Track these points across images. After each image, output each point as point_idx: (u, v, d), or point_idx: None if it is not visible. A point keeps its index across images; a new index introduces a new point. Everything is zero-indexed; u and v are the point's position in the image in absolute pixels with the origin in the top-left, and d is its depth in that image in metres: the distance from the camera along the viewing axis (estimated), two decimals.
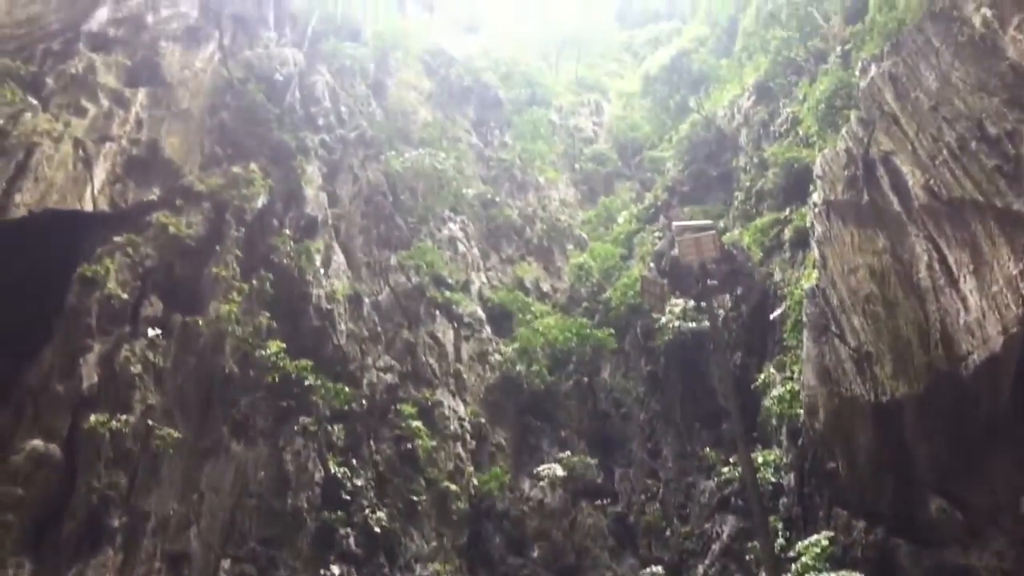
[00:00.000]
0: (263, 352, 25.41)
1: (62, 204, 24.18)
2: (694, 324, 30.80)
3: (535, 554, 28.27)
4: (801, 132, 32.38)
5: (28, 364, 21.70)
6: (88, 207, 24.93)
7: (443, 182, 38.23)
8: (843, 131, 25.26)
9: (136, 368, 22.37)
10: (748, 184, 34.84)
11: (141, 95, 28.65)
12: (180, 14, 32.78)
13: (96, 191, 25.24)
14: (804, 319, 23.84)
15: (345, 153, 36.23)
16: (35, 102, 25.13)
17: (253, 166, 29.93)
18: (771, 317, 28.37)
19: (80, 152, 25.36)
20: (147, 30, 31.12)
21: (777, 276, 29.30)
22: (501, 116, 49.85)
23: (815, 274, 24.29)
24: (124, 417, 21.31)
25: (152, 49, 30.59)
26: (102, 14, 30.03)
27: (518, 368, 33.64)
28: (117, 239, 24.75)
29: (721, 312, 29.42)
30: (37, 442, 19.99)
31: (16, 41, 26.55)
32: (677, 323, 31.18)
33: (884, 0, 27.04)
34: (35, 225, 23.07)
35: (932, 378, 19.04)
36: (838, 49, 31.88)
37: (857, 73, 26.48)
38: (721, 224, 31.88)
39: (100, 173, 25.61)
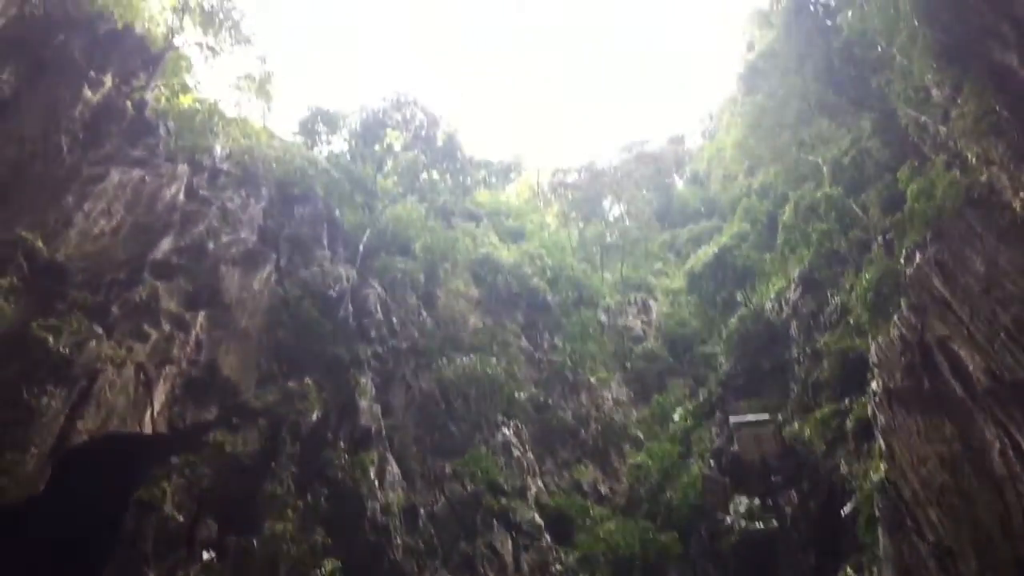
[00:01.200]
0: (319, 572, 24.80)
1: (122, 428, 24.60)
2: (761, 524, 29.50)
3: None
4: (852, 321, 32.18)
5: None
6: (147, 430, 25.33)
7: (495, 387, 38.32)
8: (895, 318, 25.12)
9: None
10: (803, 376, 34.34)
11: (201, 317, 29.70)
12: (240, 239, 34.51)
13: (155, 413, 25.72)
14: (877, 514, 22.77)
15: (397, 363, 36.76)
16: (100, 330, 26.11)
17: (308, 380, 30.44)
18: (842, 513, 27.11)
19: (141, 376, 26.06)
20: (208, 256, 32.67)
21: (843, 469, 28.24)
22: (550, 319, 50.52)
23: (883, 466, 23.41)
24: None
25: (213, 273, 31.99)
26: (166, 243, 31.67)
27: None
28: (174, 460, 24.97)
29: (788, 510, 28.25)
30: None
31: (85, 273, 27.95)
32: (743, 523, 29.91)
33: (921, 190, 27.56)
34: (96, 449, 23.39)
35: (1020, 572, 17.88)
36: (880, 238, 32.22)
37: (902, 261, 26.64)
38: (779, 418, 31.17)
39: (160, 396, 26.20)
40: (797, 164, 41.52)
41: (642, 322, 55.61)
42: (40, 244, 26.85)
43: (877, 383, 24.67)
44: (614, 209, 68.64)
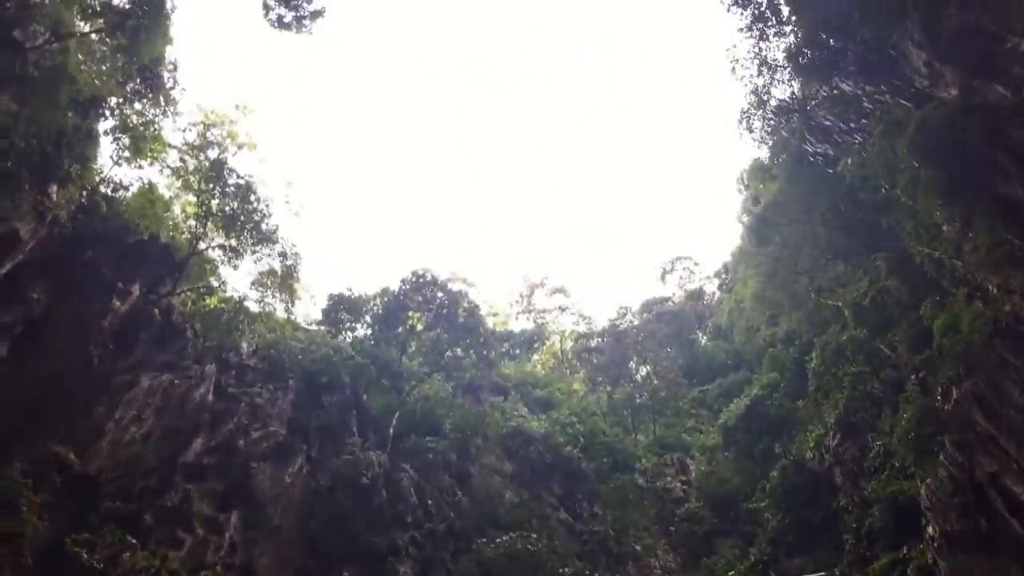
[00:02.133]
0: None
1: None
2: None
3: None
4: (896, 464, 31.34)
5: None
6: None
7: (537, 564, 37.07)
8: (940, 458, 24.46)
9: None
10: (855, 525, 33.12)
11: (234, 518, 29.36)
12: (269, 433, 34.55)
13: None
14: None
15: (436, 548, 35.86)
16: (133, 540, 25.76)
17: (346, 574, 29.64)
18: None
19: None
20: (239, 453, 32.62)
21: None
22: (587, 487, 49.48)
23: None
24: None
25: (244, 471, 31.85)
26: (197, 444, 31.71)
27: None
28: None
29: None
30: None
31: (117, 482, 27.88)
32: None
33: (947, 325, 27.40)
34: None
35: None
36: (913, 376, 31.82)
37: (939, 398, 26.19)
38: (837, 573, 29.85)
39: None
40: (818, 309, 41.58)
41: (681, 483, 54.27)
42: (72, 457, 26.95)
43: (933, 528, 23.75)
44: (640, 370, 68.41)
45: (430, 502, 38.71)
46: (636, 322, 71.91)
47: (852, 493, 34.60)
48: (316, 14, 42.74)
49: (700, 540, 47.58)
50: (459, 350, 50.67)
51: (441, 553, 35.91)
